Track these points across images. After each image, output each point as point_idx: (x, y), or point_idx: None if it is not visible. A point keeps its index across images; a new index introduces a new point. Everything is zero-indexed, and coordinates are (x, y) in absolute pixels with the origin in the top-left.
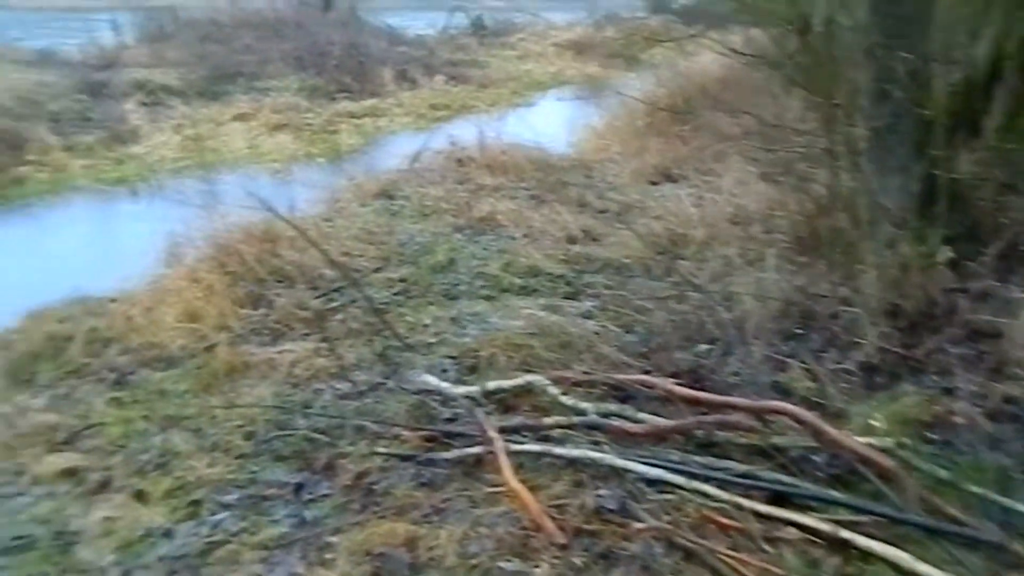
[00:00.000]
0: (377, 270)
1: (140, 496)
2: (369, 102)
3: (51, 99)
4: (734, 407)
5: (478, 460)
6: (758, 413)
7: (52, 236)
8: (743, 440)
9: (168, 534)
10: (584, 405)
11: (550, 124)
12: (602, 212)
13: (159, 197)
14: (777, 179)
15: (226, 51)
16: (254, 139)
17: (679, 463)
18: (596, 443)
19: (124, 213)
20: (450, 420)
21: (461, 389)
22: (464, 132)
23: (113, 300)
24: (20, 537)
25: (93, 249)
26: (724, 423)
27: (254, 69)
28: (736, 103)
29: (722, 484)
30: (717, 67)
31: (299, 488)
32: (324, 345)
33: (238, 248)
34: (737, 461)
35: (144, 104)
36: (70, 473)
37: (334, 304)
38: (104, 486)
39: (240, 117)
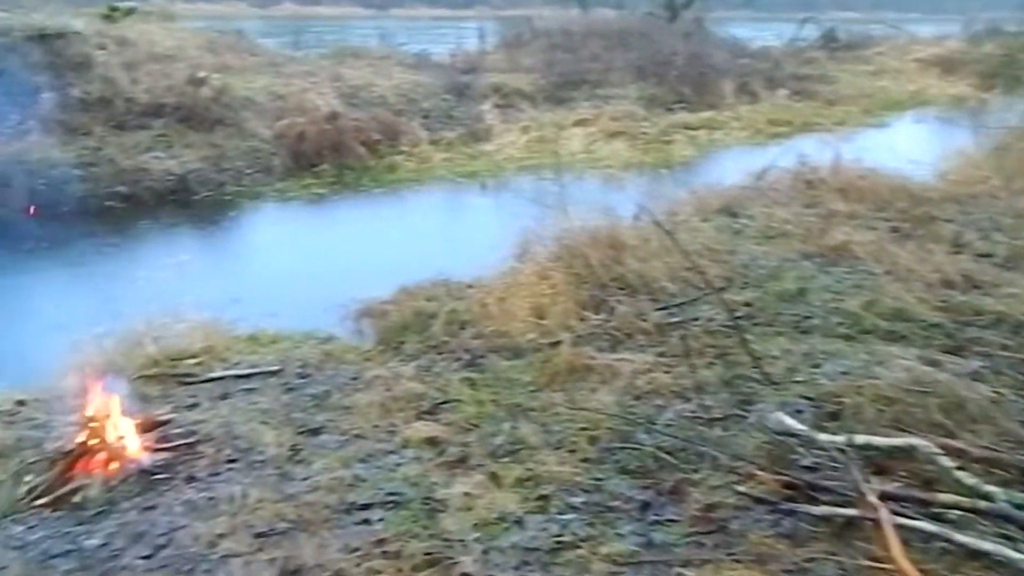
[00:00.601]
0: (720, 290)
1: (494, 479)
2: (706, 114)
3: (424, 97)
4: None
5: (849, 523)
6: None
7: (418, 219)
8: None
9: (520, 523)
10: (990, 488)
11: (910, 148)
12: (986, 256)
13: (504, 192)
14: None
15: (573, 59)
16: (591, 144)
17: None
18: (1008, 538)
19: (475, 205)
20: (811, 469)
21: (825, 437)
22: (807, 150)
23: (470, 286)
24: (394, 494)
25: (450, 235)
26: None
27: (597, 77)
28: None
29: None
30: None
31: (645, 507)
32: (663, 360)
33: (583, 251)
34: None
35: (498, 106)
36: (432, 442)
37: (674, 319)
38: (462, 461)
39: (580, 122)
